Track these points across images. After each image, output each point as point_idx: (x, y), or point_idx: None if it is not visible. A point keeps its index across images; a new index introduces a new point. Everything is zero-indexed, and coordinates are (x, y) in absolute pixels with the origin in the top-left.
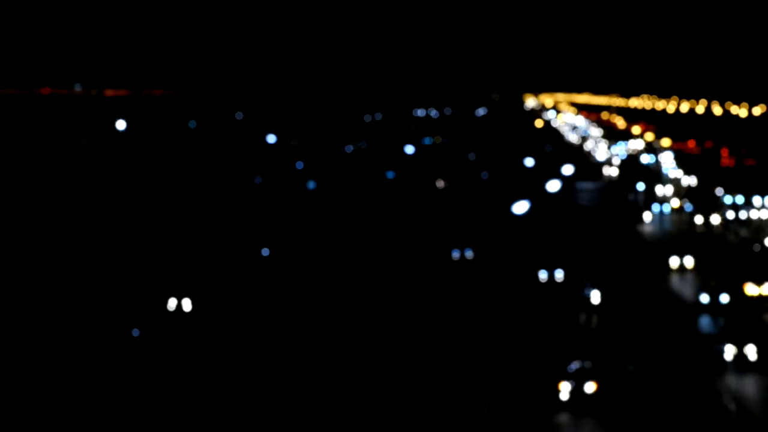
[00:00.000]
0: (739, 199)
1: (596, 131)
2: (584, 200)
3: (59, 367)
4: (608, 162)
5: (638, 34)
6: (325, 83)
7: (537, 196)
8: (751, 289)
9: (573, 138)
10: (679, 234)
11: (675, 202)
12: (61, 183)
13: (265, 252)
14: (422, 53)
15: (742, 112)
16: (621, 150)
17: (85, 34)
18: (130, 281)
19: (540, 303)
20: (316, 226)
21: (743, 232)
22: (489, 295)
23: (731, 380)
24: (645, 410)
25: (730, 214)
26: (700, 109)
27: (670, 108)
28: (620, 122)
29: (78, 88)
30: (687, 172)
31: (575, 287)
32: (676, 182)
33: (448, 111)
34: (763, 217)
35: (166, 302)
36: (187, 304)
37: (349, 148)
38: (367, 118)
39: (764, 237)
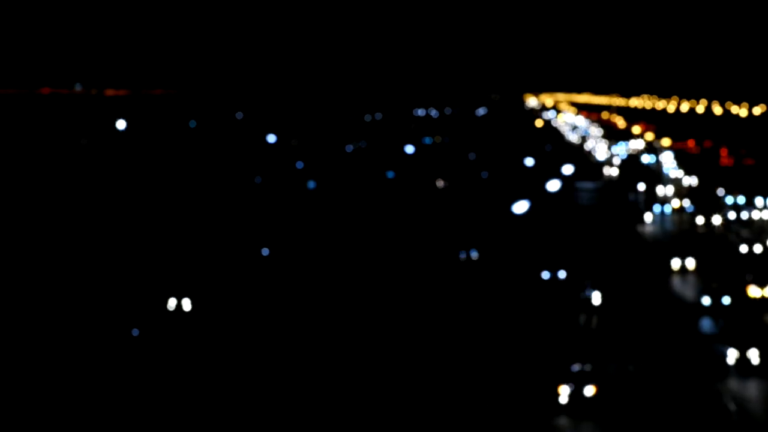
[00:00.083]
0: (741, 200)
1: (596, 131)
2: (584, 200)
3: (59, 367)
4: (608, 162)
5: (638, 34)
6: (325, 83)
7: (537, 195)
8: (754, 291)
9: (573, 138)
10: (680, 235)
11: (676, 203)
12: (61, 183)
13: (265, 252)
14: (422, 53)
15: (742, 112)
16: (621, 150)
17: (85, 34)
18: (130, 281)
19: (541, 304)
20: (316, 226)
21: (745, 233)
22: (489, 296)
23: (733, 384)
24: (645, 413)
25: (732, 215)
26: (700, 108)
27: (670, 108)
28: (620, 122)
29: (78, 87)
30: (687, 172)
31: (576, 288)
32: (676, 182)
33: (448, 111)
34: (765, 218)
35: (166, 302)
36: (187, 304)
37: (349, 148)
38: (367, 117)
39: (766, 238)
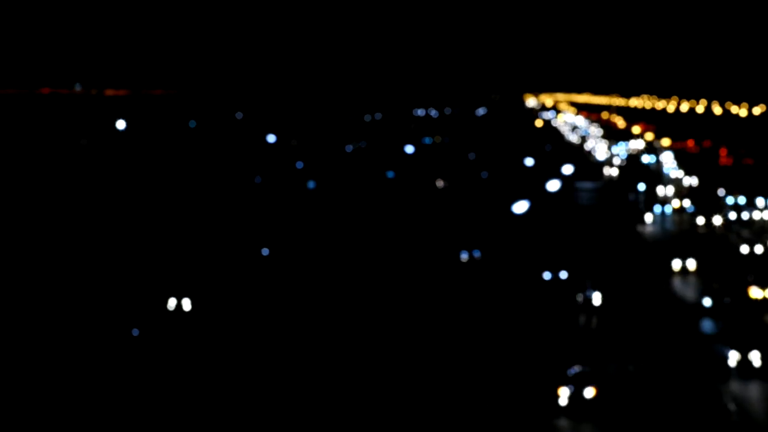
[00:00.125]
0: (741, 200)
1: (596, 131)
2: (584, 200)
3: (59, 367)
4: (608, 162)
5: (638, 34)
6: (325, 83)
7: (537, 195)
8: (755, 292)
9: (573, 138)
10: (680, 235)
11: (676, 203)
12: (61, 183)
13: (265, 252)
14: (422, 53)
15: (742, 112)
16: (621, 150)
17: (85, 34)
18: (130, 281)
19: (542, 305)
20: (316, 226)
21: (745, 233)
22: (491, 297)
23: (735, 386)
24: (645, 415)
25: (732, 215)
26: (700, 108)
27: (670, 108)
28: (620, 122)
29: (78, 87)
30: (688, 173)
31: (576, 288)
32: (677, 182)
33: (448, 111)
34: (766, 218)
35: (166, 302)
36: (187, 304)
37: (349, 148)
38: (367, 117)
39: (767, 238)
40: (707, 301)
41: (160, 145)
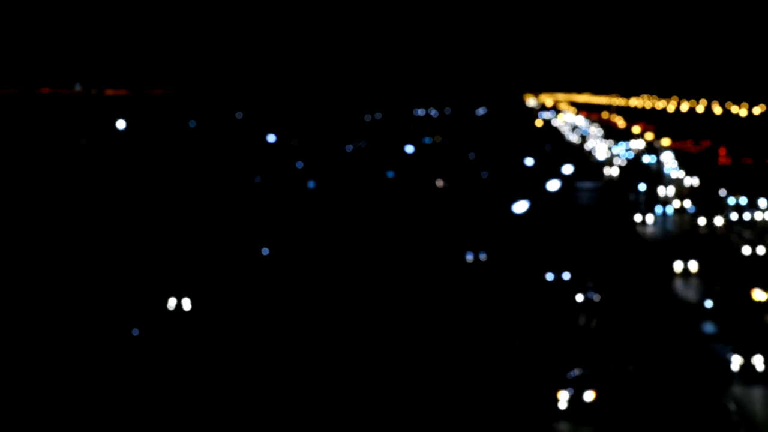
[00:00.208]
0: (743, 201)
1: (596, 131)
2: (584, 200)
3: (59, 367)
4: (609, 162)
5: (638, 34)
6: (325, 83)
7: (537, 195)
8: (758, 295)
9: (573, 138)
10: (682, 236)
11: (677, 204)
12: (61, 183)
13: (265, 251)
14: (422, 53)
15: (742, 112)
16: (621, 150)
17: (85, 34)
18: (130, 281)
19: (542, 307)
20: (316, 226)
21: (747, 234)
22: (492, 299)
23: (737, 390)
24: (645, 419)
25: (734, 216)
26: (700, 108)
27: (670, 108)
28: (620, 122)
29: (78, 87)
30: (688, 173)
31: (578, 289)
32: (678, 183)
33: (448, 111)
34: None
35: (166, 302)
36: (187, 304)
37: (349, 148)
38: (367, 117)
39: None
40: (709, 304)
41: (160, 145)
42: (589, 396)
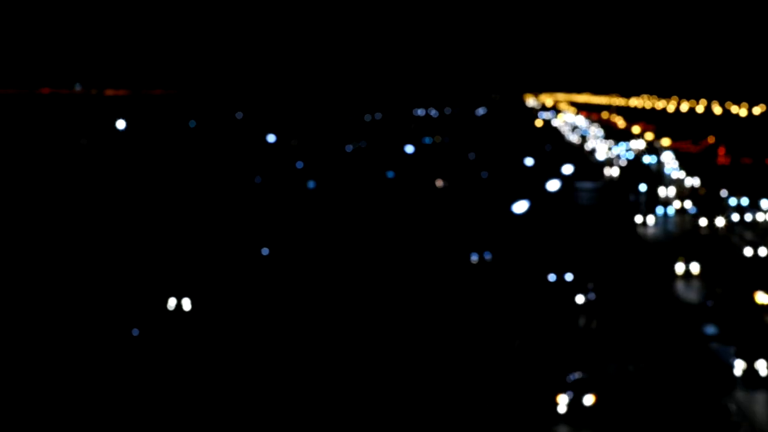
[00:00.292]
0: (744, 201)
1: (597, 131)
2: (584, 200)
3: (59, 367)
4: (609, 162)
5: (638, 34)
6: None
7: (537, 195)
8: (762, 298)
9: (573, 138)
10: (683, 237)
11: (678, 204)
12: (61, 183)
13: (265, 252)
14: (422, 53)
15: (742, 112)
16: (622, 150)
17: (85, 34)
18: (130, 281)
19: (542, 308)
20: (316, 226)
21: (748, 236)
22: (492, 300)
23: (741, 396)
24: (646, 423)
25: (735, 217)
26: (700, 108)
27: (670, 108)
28: (620, 122)
29: (78, 87)
30: (689, 173)
31: (577, 291)
32: (678, 183)
33: (448, 111)
34: None
35: (166, 302)
36: (186, 304)
37: (349, 148)
38: (367, 117)
39: None
40: (711, 307)
41: (160, 145)
42: (588, 400)
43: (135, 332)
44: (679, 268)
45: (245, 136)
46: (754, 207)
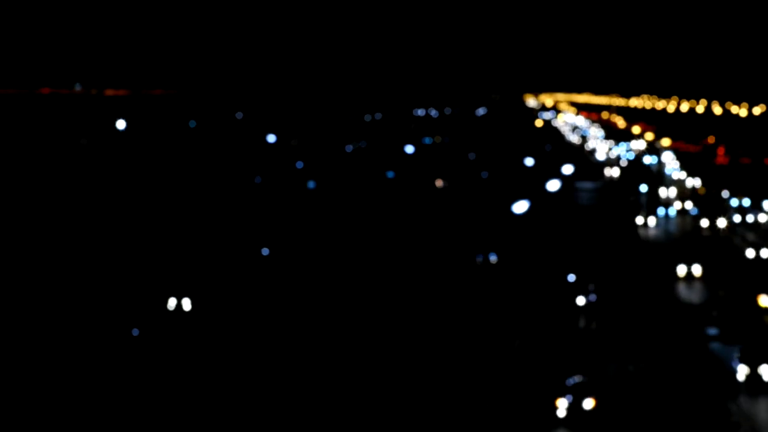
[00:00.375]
0: (746, 202)
1: (597, 131)
2: (584, 200)
3: (59, 367)
4: (609, 163)
5: (638, 34)
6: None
7: (537, 195)
8: (765, 301)
9: (573, 138)
10: (684, 238)
11: (679, 205)
12: (61, 183)
13: (265, 252)
14: (422, 53)
15: (742, 112)
16: (622, 151)
17: (85, 34)
18: (130, 281)
19: (542, 308)
20: (316, 226)
21: (750, 237)
22: (490, 301)
23: (744, 402)
24: (646, 426)
25: (737, 218)
26: (700, 108)
27: (670, 108)
28: (620, 122)
29: (78, 87)
30: (689, 173)
31: (578, 292)
32: (679, 184)
33: (448, 111)
34: None
35: (166, 302)
36: (187, 304)
37: (349, 148)
38: (367, 117)
39: None
40: (713, 311)
41: (160, 145)
42: (588, 404)
43: (135, 332)
44: (681, 270)
45: (245, 136)
46: (756, 208)
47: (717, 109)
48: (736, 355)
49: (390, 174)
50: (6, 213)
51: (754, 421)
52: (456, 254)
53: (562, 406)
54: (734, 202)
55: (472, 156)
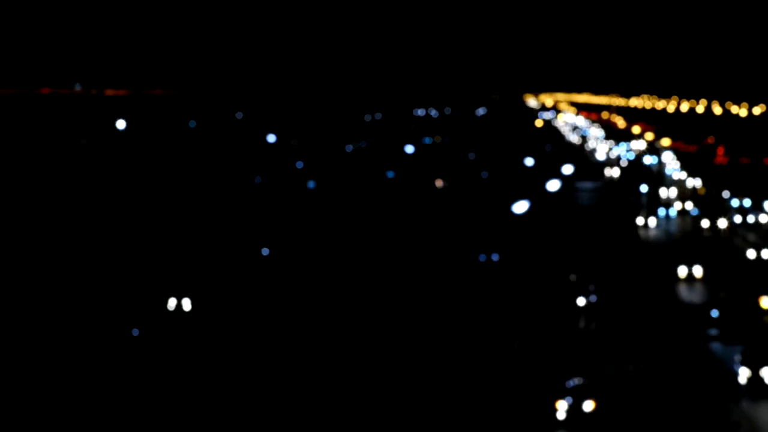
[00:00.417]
0: (747, 203)
1: (597, 131)
2: (584, 200)
3: (59, 367)
4: (609, 163)
5: (638, 34)
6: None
7: (537, 195)
8: (766, 302)
9: (573, 138)
10: (684, 239)
11: (679, 205)
12: (61, 183)
13: (265, 252)
14: (422, 53)
15: (742, 112)
16: (622, 151)
17: (85, 34)
18: (130, 281)
19: (542, 309)
20: (316, 226)
21: (751, 237)
22: (490, 302)
23: (745, 406)
24: (645, 427)
25: (738, 218)
26: (700, 108)
27: (670, 108)
28: (620, 122)
29: (78, 87)
30: (690, 174)
31: (578, 293)
32: (679, 184)
33: (448, 111)
34: None
35: (166, 302)
36: (187, 304)
37: (349, 148)
38: (367, 117)
39: None
40: (715, 313)
41: (160, 145)
42: (588, 406)
43: (135, 332)
44: (682, 271)
45: (245, 136)
46: (757, 208)
47: (717, 109)
48: (738, 357)
49: (390, 174)
50: (6, 213)
51: (754, 423)
52: (456, 254)
53: (561, 408)
54: (735, 203)
55: (472, 156)
